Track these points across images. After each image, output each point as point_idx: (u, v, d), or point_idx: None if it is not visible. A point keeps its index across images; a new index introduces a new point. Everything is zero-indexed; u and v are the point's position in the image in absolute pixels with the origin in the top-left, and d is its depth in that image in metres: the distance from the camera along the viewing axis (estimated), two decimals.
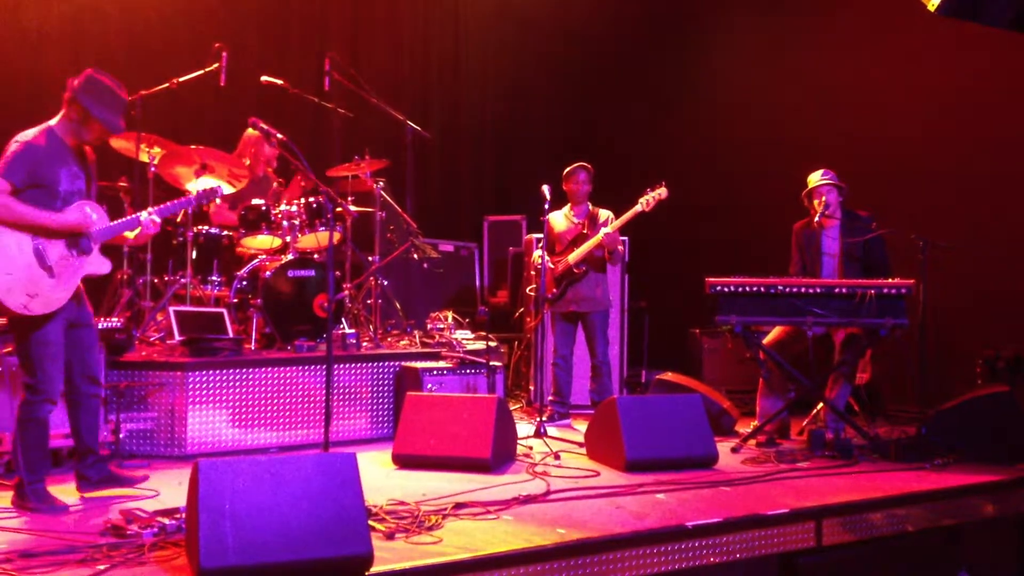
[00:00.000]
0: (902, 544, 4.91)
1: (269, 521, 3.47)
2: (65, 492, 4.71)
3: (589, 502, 4.69)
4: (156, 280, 6.79)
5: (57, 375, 4.52)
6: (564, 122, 10.84)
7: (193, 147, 6.51)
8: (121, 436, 5.50)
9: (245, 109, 6.90)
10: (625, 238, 7.78)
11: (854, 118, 8.40)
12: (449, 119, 10.65)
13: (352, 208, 7.19)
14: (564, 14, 10.57)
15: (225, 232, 6.97)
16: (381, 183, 7.66)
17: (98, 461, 4.80)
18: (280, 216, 6.85)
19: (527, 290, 7.94)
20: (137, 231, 4.81)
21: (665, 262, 9.16)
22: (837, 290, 5.97)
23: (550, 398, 7.32)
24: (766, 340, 6.46)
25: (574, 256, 7.08)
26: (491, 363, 6.70)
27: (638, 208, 6.88)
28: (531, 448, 6.03)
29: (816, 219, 6.40)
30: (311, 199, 6.95)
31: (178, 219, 6.79)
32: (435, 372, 6.46)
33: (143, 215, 4.79)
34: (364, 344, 6.94)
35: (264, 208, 6.87)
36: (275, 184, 7.47)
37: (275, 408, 6.07)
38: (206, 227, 6.94)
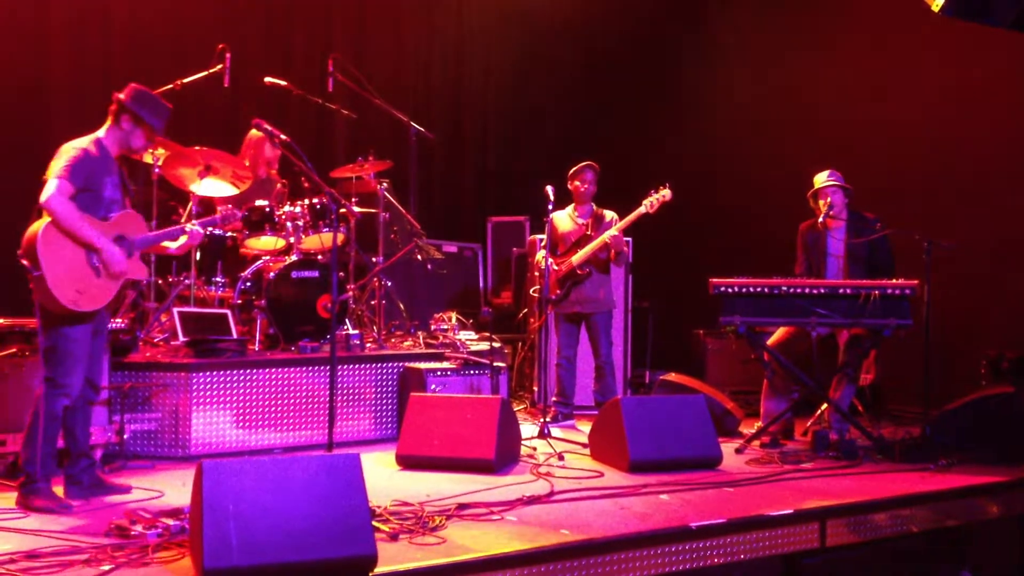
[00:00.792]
0: (906, 545, 4.91)
1: (273, 522, 3.48)
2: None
3: (593, 503, 4.69)
4: (160, 281, 6.80)
5: (78, 373, 4.61)
6: (568, 123, 10.83)
7: (197, 148, 6.51)
8: (125, 437, 5.51)
9: (249, 110, 6.93)
10: (629, 239, 7.78)
11: (859, 119, 8.39)
12: (453, 120, 10.66)
13: (356, 209, 7.16)
14: (568, 15, 10.56)
15: (229, 233, 6.97)
16: (385, 184, 7.66)
17: (90, 466, 4.83)
18: (284, 217, 6.85)
19: (531, 291, 7.94)
20: (182, 240, 5.11)
21: (669, 263, 9.16)
22: (841, 291, 5.96)
23: (554, 399, 7.32)
24: (770, 341, 6.45)
25: (578, 257, 7.08)
26: (495, 364, 6.70)
27: (642, 210, 6.88)
28: (535, 449, 6.03)
29: (820, 220, 6.39)
30: (315, 200, 6.96)
31: (182, 220, 6.79)
32: (439, 373, 6.46)
33: (188, 226, 5.09)
34: (368, 345, 6.94)
35: (268, 209, 6.88)
36: (279, 185, 7.48)
37: (279, 409, 6.07)
38: (210, 228, 6.94)
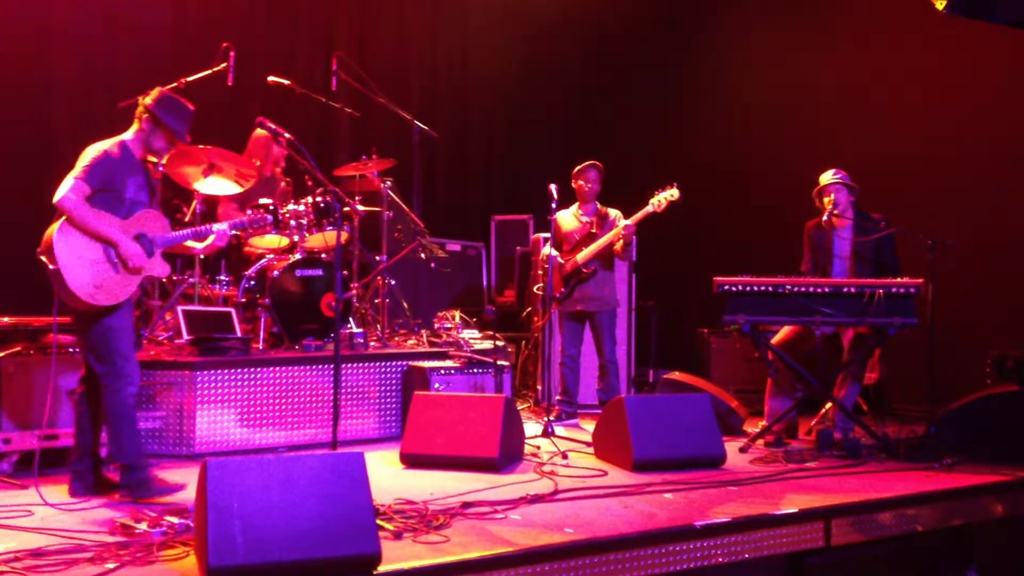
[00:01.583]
0: (911, 544, 4.90)
1: (277, 520, 3.48)
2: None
3: (597, 502, 4.69)
4: (164, 279, 6.80)
5: (133, 358, 4.68)
6: (572, 122, 10.83)
7: (201, 147, 6.51)
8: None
9: (252, 109, 6.93)
10: (633, 237, 7.77)
11: (863, 117, 8.38)
12: (456, 118, 10.66)
13: (359, 207, 7.19)
14: (573, 13, 10.55)
15: (233, 231, 6.97)
16: (388, 182, 7.66)
17: (96, 464, 4.84)
18: (288, 216, 6.85)
19: (534, 289, 7.94)
20: (209, 240, 5.13)
21: (673, 261, 9.15)
22: (846, 289, 5.96)
23: (557, 397, 7.32)
24: (774, 340, 6.44)
25: (583, 255, 7.08)
26: (498, 362, 6.70)
27: (649, 209, 6.86)
28: (538, 448, 6.03)
29: (824, 218, 6.38)
30: (319, 198, 6.96)
31: (186, 219, 6.79)
32: (442, 371, 6.46)
33: (215, 227, 5.12)
34: (372, 343, 6.94)
35: (272, 208, 6.87)
36: (283, 184, 7.48)
37: (283, 407, 6.08)
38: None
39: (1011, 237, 7.27)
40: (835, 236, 6.45)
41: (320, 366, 6.22)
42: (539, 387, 7.93)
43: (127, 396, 4.63)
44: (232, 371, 5.90)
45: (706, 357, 8.25)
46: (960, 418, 6.05)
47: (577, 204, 7.36)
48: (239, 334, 6.37)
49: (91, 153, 4.67)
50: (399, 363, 6.62)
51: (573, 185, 7.27)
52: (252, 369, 5.98)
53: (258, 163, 7.29)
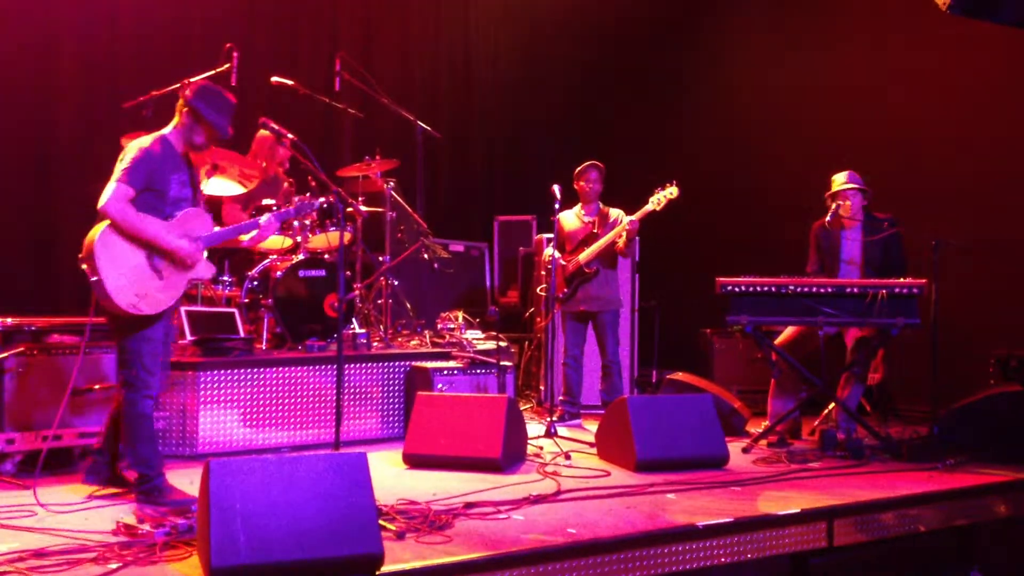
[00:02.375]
0: (914, 544, 4.90)
1: (280, 520, 3.48)
2: (75, 491, 4.74)
3: (600, 502, 4.69)
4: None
5: (157, 372, 4.61)
6: (574, 122, 10.83)
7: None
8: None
9: (255, 109, 6.92)
10: (636, 237, 7.77)
11: (866, 117, 8.37)
12: (459, 119, 10.66)
13: (362, 208, 7.19)
14: (575, 13, 10.56)
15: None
16: (391, 183, 7.66)
17: (110, 463, 4.85)
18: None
19: (537, 290, 7.93)
20: (253, 233, 5.09)
21: (676, 261, 9.14)
22: (849, 290, 5.95)
23: (560, 398, 7.32)
24: (777, 340, 6.44)
25: (585, 255, 7.08)
26: (501, 363, 6.70)
27: (649, 208, 6.87)
28: (541, 448, 6.03)
29: (827, 219, 6.37)
30: (322, 199, 6.95)
31: None
32: (445, 372, 6.46)
33: (262, 219, 5.04)
34: (375, 344, 6.94)
35: (275, 208, 6.88)
36: (286, 184, 7.48)
37: (286, 408, 6.08)
38: (217, 227, 6.95)
39: (1015, 237, 7.25)
40: (842, 238, 6.43)
41: (323, 366, 6.23)
42: (542, 387, 7.93)
43: (144, 407, 4.57)
44: (235, 371, 5.90)
45: (709, 357, 8.24)
46: (963, 418, 6.04)
47: (579, 204, 7.36)
48: (242, 335, 6.38)
49: (131, 152, 4.54)
50: (402, 363, 6.62)
51: (575, 186, 7.27)
52: (255, 370, 5.98)
53: (263, 164, 7.30)
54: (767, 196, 8.96)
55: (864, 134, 8.30)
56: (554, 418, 6.66)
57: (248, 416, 5.93)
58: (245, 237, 5.12)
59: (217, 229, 4.86)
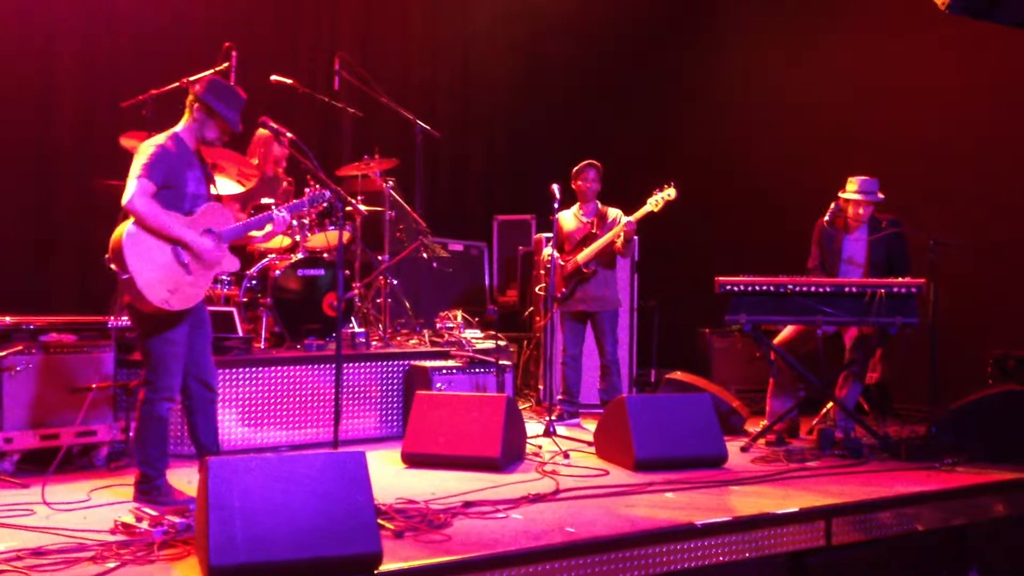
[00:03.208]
0: (912, 543, 4.90)
1: (279, 519, 3.48)
2: (73, 490, 4.74)
3: (598, 501, 4.69)
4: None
5: (178, 374, 4.63)
6: (574, 121, 10.82)
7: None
8: (131, 434, 5.51)
9: (255, 108, 6.91)
10: (635, 237, 7.77)
11: (864, 117, 8.38)
12: (459, 118, 10.66)
13: (362, 207, 7.19)
14: (574, 13, 10.54)
15: (291, 214, 6.93)
16: (391, 182, 7.66)
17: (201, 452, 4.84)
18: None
19: (536, 289, 7.93)
20: (268, 228, 5.05)
21: (675, 261, 9.14)
22: (847, 289, 5.95)
23: (559, 397, 7.32)
24: (776, 339, 6.44)
25: (583, 255, 7.07)
26: (500, 362, 6.70)
27: (647, 208, 6.87)
28: (540, 447, 6.04)
29: (826, 219, 6.37)
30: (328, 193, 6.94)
31: None
32: (444, 371, 6.46)
33: (275, 213, 4.99)
34: (373, 343, 6.94)
35: (273, 207, 6.87)
36: (284, 183, 7.48)
37: (285, 407, 6.09)
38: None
39: (1013, 237, 7.26)
40: (845, 238, 6.44)
41: (322, 366, 6.23)
42: (541, 387, 7.93)
43: (160, 410, 4.59)
44: (234, 370, 5.90)
45: (708, 357, 8.25)
46: (961, 418, 6.04)
47: (578, 204, 7.36)
48: (241, 333, 6.38)
49: (147, 149, 4.54)
50: (401, 363, 6.62)
51: (572, 185, 7.27)
52: (254, 368, 5.98)
53: (256, 162, 7.29)
54: (766, 196, 8.96)
55: (863, 134, 8.31)
56: (553, 417, 6.66)
57: (247, 415, 5.93)
58: (259, 233, 5.10)
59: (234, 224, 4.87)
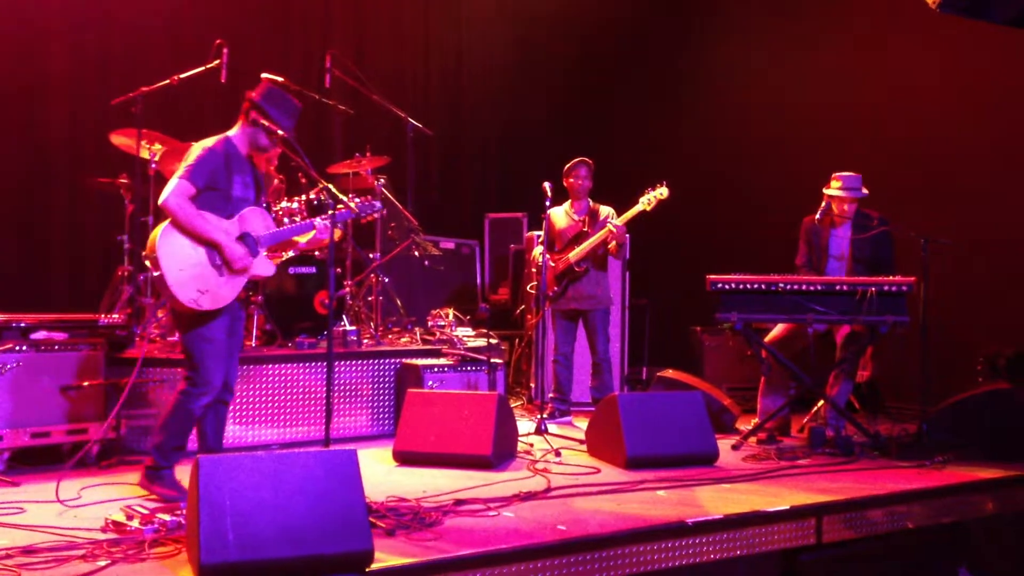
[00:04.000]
0: (903, 541, 4.91)
1: (270, 517, 3.47)
2: (64, 488, 4.72)
3: (590, 499, 4.70)
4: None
5: (217, 370, 4.65)
6: (566, 119, 10.83)
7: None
8: (122, 432, 5.51)
9: (246, 106, 6.90)
10: (627, 235, 7.77)
11: (858, 115, 8.39)
12: (450, 116, 10.66)
13: (353, 205, 7.17)
14: (567, 11, 10.56)
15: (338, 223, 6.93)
16: (382, 180, 7.66)
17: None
18: (281, 213, 6.83)
19: (528, 287, 7.94)
20: (310, 235, 5.05)
21: (666, 259, 9.16)
22: (838, 287, 5.97)
23: (551, 395, 7.32)
24: (767, 337, 6.46)
25: (575, 254, 7.07)
26: (492, 360, 6.70)
27: (639, 208, 6.88)
28: (532, 445, 6.04)
29: (817, 217, 6.39)
30: (312, 196, 6.94)
31: None
32: (436, 369, 6.46)
33: (317, 220, 5.01)
34: (365, 341, 6.94)
35: (265, 205, 6.85)
36: (276, 181, 7.46)
37: (276, 405, 6.08)
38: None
39: (1004, 236, 7.28)
40: (831, 234, 6.46)
41: (313, 363, 6.22)
42: (532, 385, 7.93)
43: (197, 406, 4.62)
44: None
45: (699, 355, 8.26)
46: (952, 416, 6.06)
47: (569, 202, 7.36)
48: None
49: (195, 151, 4.62)
50: (392, 361, 6.62)
51: (564, 182, 7.27)
52: (245, 366, 5.96)
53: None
54: (758, 194, 8.98)
55: (855, 133, 8.33)
56: (544, 415, 6.66)
57: (238, 413, 5.92)
58: (303, 239, 5.10)
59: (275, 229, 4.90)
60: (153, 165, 6.64)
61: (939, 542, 5.07)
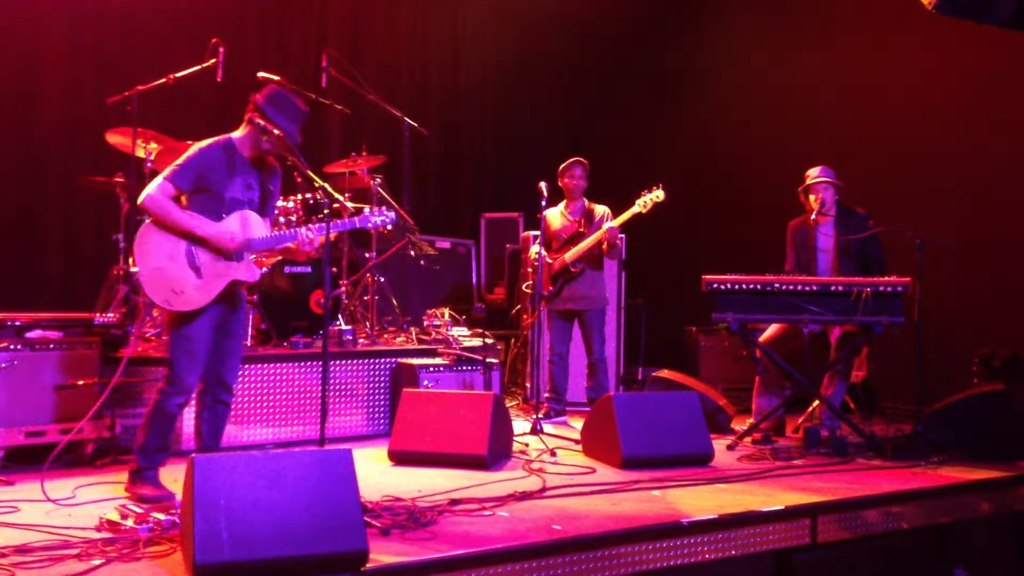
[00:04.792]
0: (897, 542, 4.92)
1: (264, 517, 3.47)
2: (58, 487, 4.72)
3: (585, 499, 4.69)
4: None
5: (194, 372, 4.60)
6: (562, 119, 10.84)
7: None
8: (117, 432, 5.50)
9: (242, 105, 6.90)
10: (623, 235, 7.78)
11: (853, 115, 8.40)
12: (447, 116, 10.66)
13: (349, 204, 7.18)
14: (563, 11, 10.56)
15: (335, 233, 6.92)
16: (378, 179, 7.65)
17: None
18: (277, 212, 6.84)
19: (524, 287, 7.94)
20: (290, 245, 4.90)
21: (662, 259, 9.16)
22: (833, 288, 5.97)
23: (546, 395, 7.32)
24: (762, 338, 6.46)
25: (571, 255, 7.07)
26: (487, 360, 6.70)
27: (636, 210, 6.88)
28: (527, 445, 6.04)
29: (813, 216, 6.40)
30: (308, 195, 6.94)
31: None
32: (431, 369, 6.46)
33: (302, 231, 4.84)
34: (360, 341, 6.93)
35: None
36: None
37: (271, 404, 6.07)
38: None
39: (999, 236, 7.28)
40: (818, 231, 6.48)
41: (308, 363, 6.22)
42: (528, 384, 7.93)
43: (169, 405, 4.57)
44: None
45: (695, 355, 8.27)
46: (947, 416, 6.06)
47: (565, 202, 7.36)
48: None
49: (187, 152, 4.59)
50: (388, 360, 6.62)
51: (559, 183, 7.27)
52: (240, 366, 5.94)
53: None
54: (755, 195, 8.97)
55: (851, 133, 8.33)
56: (540, 415, 6.66)
57: (233, 412, 5.89)
58: (294, 246, 4.97)
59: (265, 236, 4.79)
60: (149, 164, 6.63)
61: (934, 543, 5.07)
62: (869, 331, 6.03)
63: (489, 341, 7.25)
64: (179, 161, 4.55)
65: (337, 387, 6.36)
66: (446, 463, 5.39)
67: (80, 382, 5.34)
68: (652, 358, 8.54)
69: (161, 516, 3.95)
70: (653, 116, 10.32)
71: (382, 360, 6.59)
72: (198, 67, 6.92)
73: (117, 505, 4.23)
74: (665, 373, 7.08)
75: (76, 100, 8.26)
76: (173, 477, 4.90)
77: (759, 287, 6.04)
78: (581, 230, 7.14)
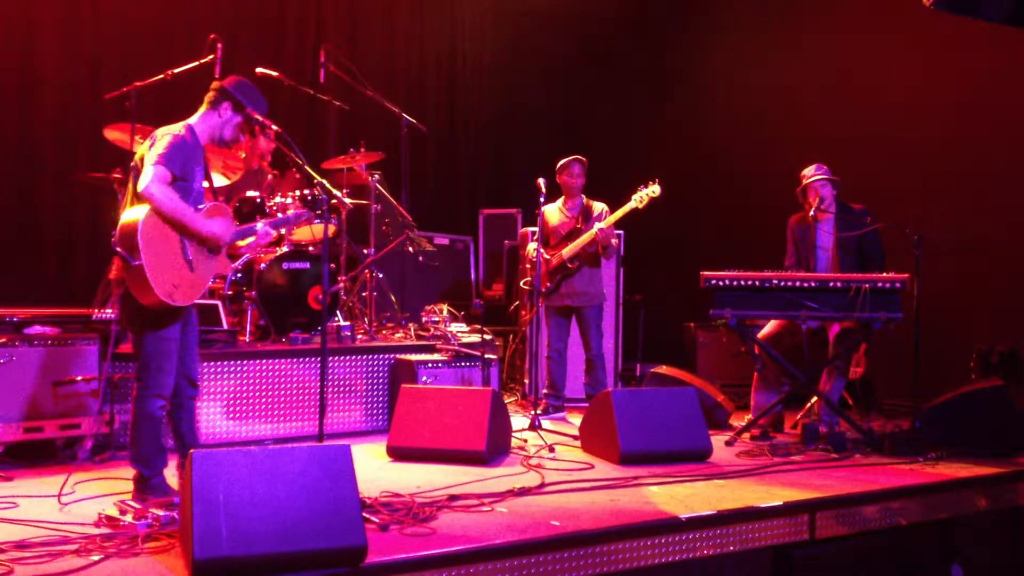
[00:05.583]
0: (895, 537, 4.93)
1: (263, 512, 3.47)
2: (57, 483, 4.72)
3: (583, 495, 4.70)
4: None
5: (171, 372, 4.50)
6: (560, 116, 10.84)
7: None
8: (115, 427, 5.50)
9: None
10: (620, 232, 7.78)
11: (851, 112, 8.40)
12: (445, 112, 10.66)
13: (347, 201, 7.16)
14: (561, 7, 10.55)
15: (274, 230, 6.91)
16: (376, 176, 7.65)
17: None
18: (275, 208, 6.84)
19: (522, 283, 7.94)
20: (249, 240, 4.87)
21: (660, 256, 9.16)
22: (831, 284, 5.98)
23: (544, 391, 7.33)
24: (761, 334, 6.47)
25: (568, 251, 7.07)
26: (486, 356, 6.70)
27: (631, 205, 6.87)
28: (525, 441, 6.04)
29: (812, 213, 6.40)
30: (306, 191, 6.94)
31: None
32: (430, 365, 6.46)
33: (258, 225, 4.83)
34: (359, 336, 6.93)
35: (259, 200, 6.86)
36: (270, 176, 7.46)
37: (270, 400, 6.07)
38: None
39: (997, 232, 7.30)
40: (818, 229, 6.48)
41: (307, 359, 6.21)
42: (526, 381, 7.93)
43: (150, 407, 4.46)
44: (219, 364, 5.88)
45: (693, 351, 8.27)
46: (945, 413, 6.07)
47: (563, 198, 7.36)
48: (226, 326, 6.36)
49: (165, 138, 4.38)
50: (386, 356, 6.62)
51: (557, 180, 7.26)
52: (239, 362, 5.96)
53: (243, 155, 7.27)
54: (753, 191, 8.98)
55: (847, 130, 8.33)
56: (538, 411, 6.67)
57: (231, 408, 5.92)
58: (243, 243, 4.95)
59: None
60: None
61: (932, 539, 5.09)
62: (867, 327, 6.04)
63: (487, 337, 7.25)
64: (162, 147, 4.33)
65: (336, 383, 6.35)
66: (444, 459, 5.39)
67: (79, 378, 5.33)
68: (650, 354, 8.54)
69: (160, 512, 3.95)
70: (652, 113, 10.32)
71: (380, 356, 6.60)
72: (196, 63, 6.91)
73: (116, 501, 4.24)
74: (663, 369, 7.08)
75: (73, 96, 8.25)
76: (171, 472, 4.90)
77: (757, 283, 6.04)
78: (579, 226, 7.14)
